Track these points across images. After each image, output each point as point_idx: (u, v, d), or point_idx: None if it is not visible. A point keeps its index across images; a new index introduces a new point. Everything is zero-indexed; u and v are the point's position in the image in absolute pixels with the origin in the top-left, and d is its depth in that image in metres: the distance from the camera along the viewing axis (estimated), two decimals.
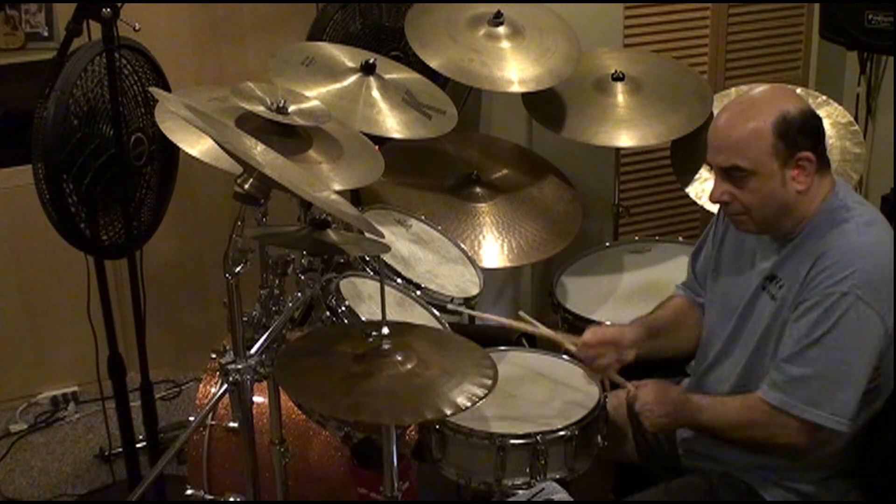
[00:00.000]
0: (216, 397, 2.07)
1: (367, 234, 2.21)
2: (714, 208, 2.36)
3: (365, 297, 2.55)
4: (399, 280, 2.66)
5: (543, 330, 2.48)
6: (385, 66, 3.00)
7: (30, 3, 3.48)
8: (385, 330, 2.02)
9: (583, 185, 3.50)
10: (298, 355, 2.13)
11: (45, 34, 3.51)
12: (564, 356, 2.52)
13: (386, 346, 2.01)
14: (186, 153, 2.50)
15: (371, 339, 2.04)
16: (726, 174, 2.15)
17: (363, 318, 2.39)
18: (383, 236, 2.21)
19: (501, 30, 3.17)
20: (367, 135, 2.78)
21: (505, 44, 3.15)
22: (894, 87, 3.89)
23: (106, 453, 3.39)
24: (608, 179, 3.55)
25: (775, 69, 4.01)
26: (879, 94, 4.00)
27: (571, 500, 2.17)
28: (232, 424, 2.47)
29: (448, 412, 1.92)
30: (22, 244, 3.56)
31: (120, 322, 3.02)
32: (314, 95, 2.73)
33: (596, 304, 2.98)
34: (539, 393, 2.40)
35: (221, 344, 2.36)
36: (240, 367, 2.02)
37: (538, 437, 2.20)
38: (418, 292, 2.66)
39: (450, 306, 2.69)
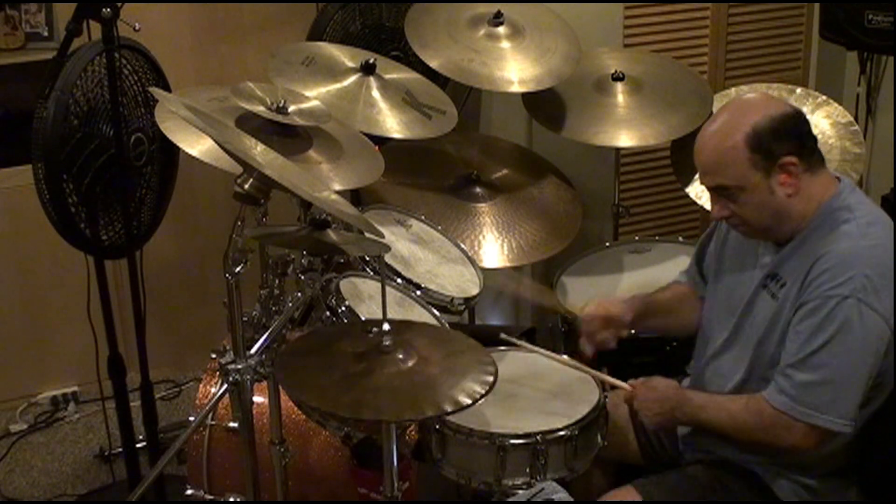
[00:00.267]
0: (216, 397, 2.07)
1: (367, 234, 2.21)
2: None
3: (365, 297, 2.55)
4: (399, 280, 2.66)
5: (597, 374, 2.47)
6: (385, 66, 3.00)
7: (30, 3, 3.48)
8: (386, 325, 2.02)
9: (583, 185, 3.50)
10: (299, 355, 2.13)
11: (45, 34, 3.51)
12: (564, 356, 2.53)
13: (387, 343, 2.01)
14: (186, 153, 2.50)
15: (372, 335, 2.04)
16: (717, 193, 2.20)
17: (363, 318, 2.39)
18: (383, 236, 2.21)
19: (501, 30, 3.17)
20: (367, 135, 2.78)
21: (505, 44, 3.15)
22: (894, 87, 3.89)
23: (106, 453, 3.39)
24: (608, 179, 3.55)
25: (775, 69, 4.00)
26: (879, 94, 4.00)
27: (571, 500, 2.17)
28: (232, 424, 2.47)
29: (449, 409, 1.92)
30: (22, 244, 3.56)
31: (120, 322, 3.01)
32: (314, 95, 2.74)
33: None
34: (539, 393, 2.40)
35: (221, 344, 2.36)
36: (240, 367, 2.03)
37: (538, 437, 2.20)
38: (418, 292, 2.66)
39: (503, 336, 2.57)
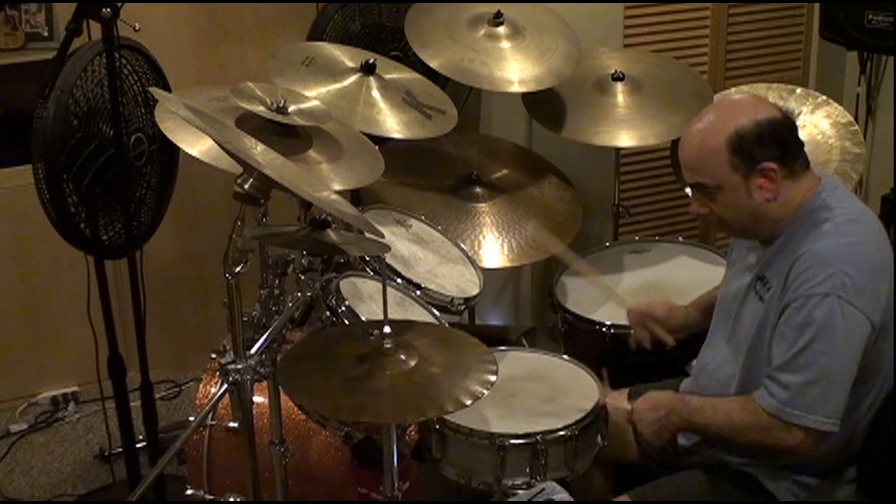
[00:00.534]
0: (216, 397, 2.07)
1: (367, 234, 2.21)
2: None
3: (365, 297, 2.55)
4: (399, 280, 2.66)
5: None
6: (385, 66, 3.00)
7: (30, 3, 3.48)
8: (387, 329, 2.02)
9: (583, 185, 3.49)
10: (300, 359, 2.13)
11: (45, 34, 3.51)
12: (564, 356, 2.53)
13: (388, 345, 2.01)
14: (186, 153, 2.50)
15: (372, 338, 2.04)
16: (696, 190, 2.21)
17: (363, 319, 2.39)
18: (383, 236, 2.21)
19: (501, 30, 3.17)
20: (367, 135, 2.78)
21: (505, 44, 3.15)
22: (894, 87, 3.89)
23: (106, 453, 3.39)
24: (608, 179, 3.55)
25: (775, 69, 4.00)
26: (879, 94, 4.00)
27: (571, 500, 2.17)
28: (232, 424, 2.46)
29: (451, 409, 1.92)
30: (22, 244, 3.56)
31: (120, 322, 3.01)
32: (314, 95, 2.74)
33: (596, 304, 2.97)
34: (539, 393, 2.40)
35: (221, 344, 2.36)
36: (240, 367, 2.02)
37: (538, 437, 2.20)
38: (418, 292, 2.66)
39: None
